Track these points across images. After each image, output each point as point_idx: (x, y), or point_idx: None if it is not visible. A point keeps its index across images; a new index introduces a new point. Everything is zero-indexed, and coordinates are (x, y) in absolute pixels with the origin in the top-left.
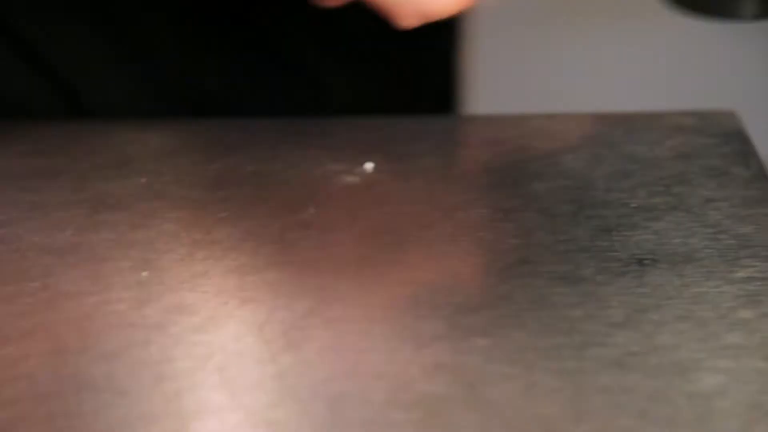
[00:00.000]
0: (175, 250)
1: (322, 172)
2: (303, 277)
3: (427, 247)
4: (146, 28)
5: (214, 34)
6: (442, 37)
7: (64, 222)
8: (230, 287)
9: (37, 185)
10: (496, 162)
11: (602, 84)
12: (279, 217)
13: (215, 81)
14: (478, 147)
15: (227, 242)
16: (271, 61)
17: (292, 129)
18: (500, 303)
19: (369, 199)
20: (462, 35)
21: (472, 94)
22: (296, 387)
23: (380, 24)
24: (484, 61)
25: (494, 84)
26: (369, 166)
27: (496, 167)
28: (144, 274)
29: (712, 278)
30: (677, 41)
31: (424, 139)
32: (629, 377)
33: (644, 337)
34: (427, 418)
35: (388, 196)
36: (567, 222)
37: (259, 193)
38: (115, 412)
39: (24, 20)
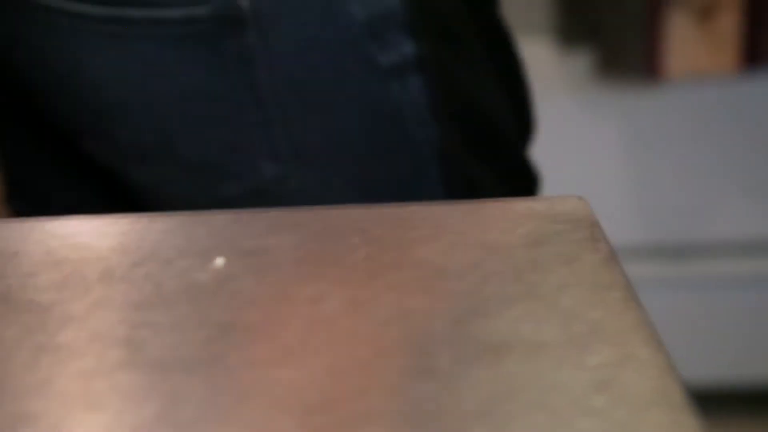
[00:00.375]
0: (19, 356)
1: (170, 269)
2: (152, 380)
3: (281, 343)
4: None
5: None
6: None
7: None
8: (76, 393)
9: None
10: (350, 254)
11: None
12: (125, 318)
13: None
14: (332, 239)
15: (73, 346)
16: None
17: (137, 225)
18: (355, 398)
19: (220, 296)
20: None
21: None
22: None
23: None
24: None
25: None
26: (220, 261)
27: (350, 259)
28: None
29: (564, 365)
30: None
31: (278, 233)
32: None
33: (499, 428)
34: None
35: (240, 293)
36: (421, 313)
37: (106, 293)
38: None
39: None
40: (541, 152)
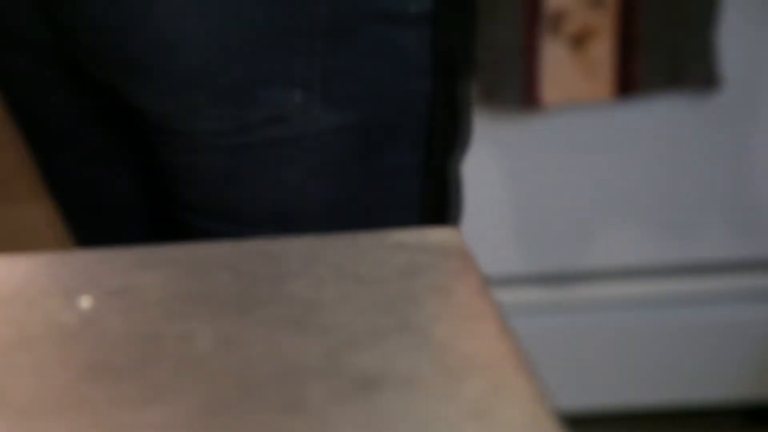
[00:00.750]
0: None
1: (34, 310)
2: (13, 426)
3: (149, 383)
4: None
5: None
6: None
7: None
8: None
9: None
10: (221, 290)
11: None
12: None
13: None
14: (202, 274)
15: None
16: None
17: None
18: None
19: (86, 337)
20: None
21: None
22: None
23: None
24: None
25: None
26: (85, 301)
27: (221, 296)
28: None
29: (439, 396)
30: None
31: (145, 271)
32: None
33: None
34: None
35: (107, 333)
36: (293, 348)
37: None
38: None
39: None
40: None
